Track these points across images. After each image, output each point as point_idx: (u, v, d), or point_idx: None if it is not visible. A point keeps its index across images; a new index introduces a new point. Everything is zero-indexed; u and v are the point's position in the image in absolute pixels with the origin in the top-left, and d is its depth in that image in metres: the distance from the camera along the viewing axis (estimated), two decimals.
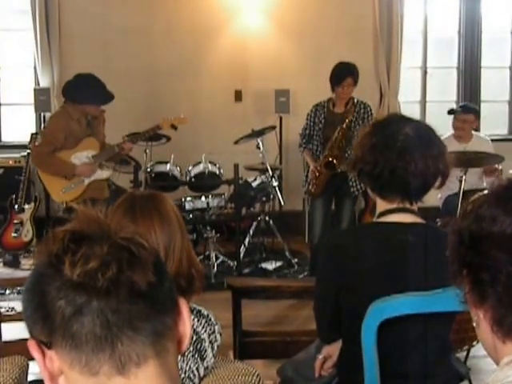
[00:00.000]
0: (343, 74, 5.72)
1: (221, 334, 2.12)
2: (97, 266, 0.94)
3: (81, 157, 5.71)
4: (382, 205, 2.33)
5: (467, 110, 6.36)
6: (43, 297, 0.96)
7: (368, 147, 2.28)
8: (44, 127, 6.23)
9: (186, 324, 1.05)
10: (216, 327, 2.10)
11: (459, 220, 1.36)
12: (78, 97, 5.66)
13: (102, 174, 5.83)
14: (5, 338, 3.74)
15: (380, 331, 2.18)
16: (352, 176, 5.73)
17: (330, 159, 5.67)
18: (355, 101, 5.82)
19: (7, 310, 5.01)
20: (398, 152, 2.23)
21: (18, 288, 5.35)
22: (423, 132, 2.30)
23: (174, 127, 6.15)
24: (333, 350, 2.53)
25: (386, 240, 2.27)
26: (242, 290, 4.07)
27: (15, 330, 3.40)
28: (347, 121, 5.65)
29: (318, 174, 5.74)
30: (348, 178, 5.76)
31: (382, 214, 2.32)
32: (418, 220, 2.31)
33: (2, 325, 3.77)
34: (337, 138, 5.67)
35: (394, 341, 2.26)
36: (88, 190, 5.71)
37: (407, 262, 2.21)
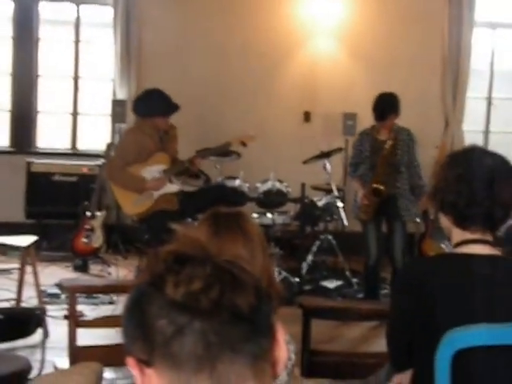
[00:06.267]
0: (386, 112, 5.76)
1: (295, 354, 2.09)
2: (200, 287, 0.95)
3: (151, 171, 5.83)
4: (458, 234, 2.29)
5: None
6: (144, 315, 0.96)
7: (453, 178, 2.23)
8: (118, 142, 6.46)
9: (282, 348, 1.05)
10: (291, 347, 2.09)
11: None
12: (145, 110, 5.85)
13: (172, 187, 5.93)
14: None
15: (454, 362, 2.12)
16: (402, 202, 5.85)
17: (376, 186, 5.78)
18: (396, 127, 5.87)
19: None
20: (485, 182, 2.20)
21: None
22: (506, 163, 2.28)
23: (243, 144, 6.29)
24: (404, 378, 2.42)
25: (464, 272, 2.21)
26: (312, 309, 4.02)
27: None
28: (386, 147, 5.74)
29: (367, 201, 5.86)
30: (397, 202, 5.84)
31: (459, 244, 2.28)
32: (495, 252, 2.25)
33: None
34: (380, 164, 5.80)
35: (469, 372, 2.18)
36: (158, 202, 5.82)
37: (487, 296, 2.17)
